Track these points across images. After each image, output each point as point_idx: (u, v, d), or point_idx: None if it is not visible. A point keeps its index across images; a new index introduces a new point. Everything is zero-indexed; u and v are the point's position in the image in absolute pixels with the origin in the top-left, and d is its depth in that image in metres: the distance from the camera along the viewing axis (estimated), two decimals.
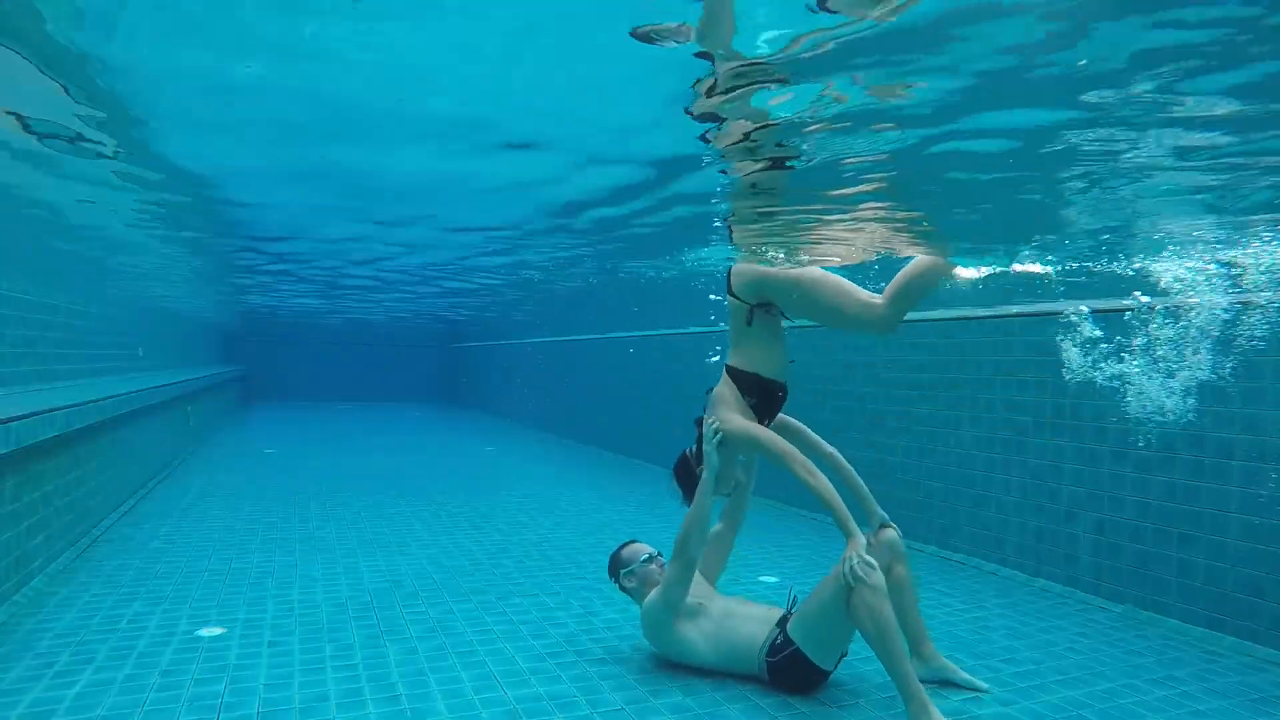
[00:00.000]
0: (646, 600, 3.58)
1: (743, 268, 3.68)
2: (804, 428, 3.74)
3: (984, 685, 3.45)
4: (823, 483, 3.22)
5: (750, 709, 3.25)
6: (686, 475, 3.64)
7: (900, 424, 6.14)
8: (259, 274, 8.34)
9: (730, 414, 3.48)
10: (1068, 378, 4.85)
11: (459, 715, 3.11)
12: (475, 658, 3.69)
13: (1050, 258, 4.45)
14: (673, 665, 3.61)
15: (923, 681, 3.18)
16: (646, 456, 10.04)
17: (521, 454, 11.28)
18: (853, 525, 3.18)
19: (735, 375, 3.57)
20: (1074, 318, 4.83)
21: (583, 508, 7.27)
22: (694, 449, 3.62)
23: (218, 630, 3.93)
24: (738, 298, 3.59)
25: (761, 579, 5.02)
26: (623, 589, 3.79)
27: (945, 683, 3.47)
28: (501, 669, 3.57)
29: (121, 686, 3.28)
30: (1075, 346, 4.80)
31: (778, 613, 3.51)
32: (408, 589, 4.70)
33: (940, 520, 5.78)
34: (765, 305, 3.56)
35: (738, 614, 3.54)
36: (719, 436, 3.45)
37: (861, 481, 3.60)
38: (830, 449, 3.68)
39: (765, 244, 4.64)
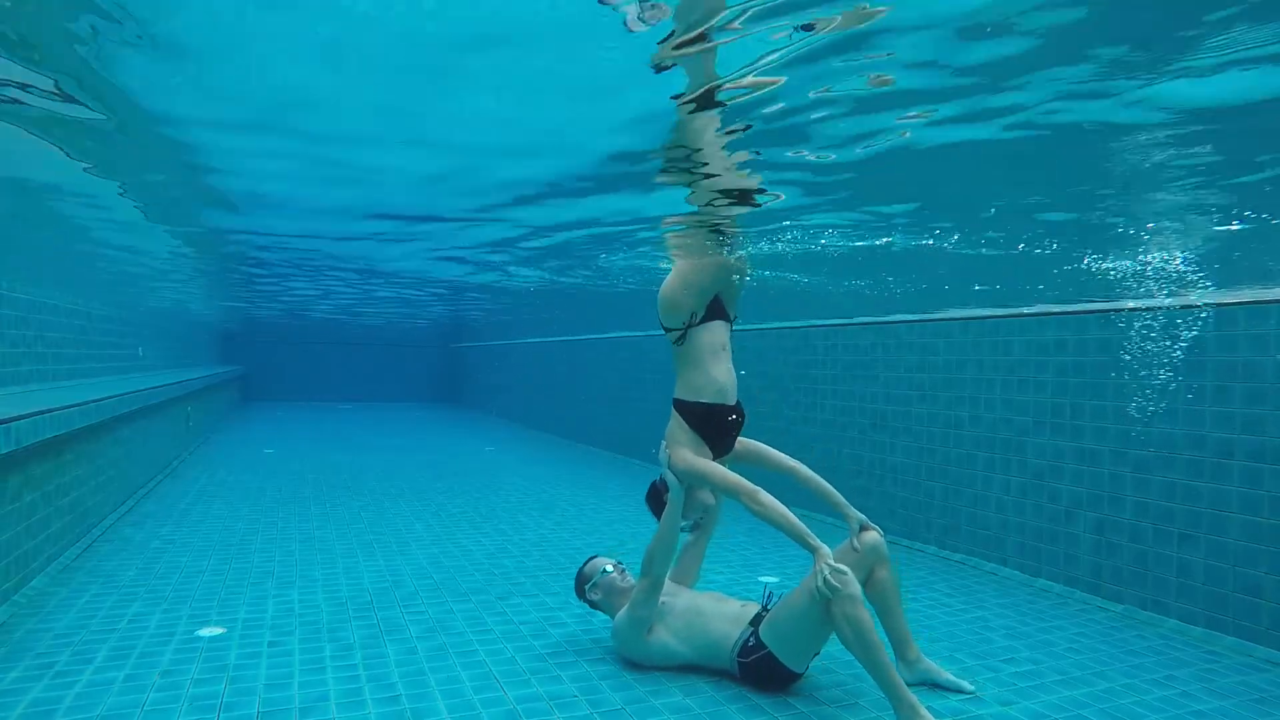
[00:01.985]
0: (616, 619, 3.64)
1: (664, 296, 3.63)
2: (762, 447, 3.72)
3: (970, 687, 3.43)
4: (772, 509, 3.23)
5: (750, 709, 3.25)
6: (657, 503, 3.71)
7: (900, 424, 6.15)
8: (259, 275, 8.36)
9: (680, 451, 3.50)
10: (1068, 378, 4.85)
11: (459, 715, 3.11)
12: (475, 658, 3.69)
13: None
14: (669, 666, 3.61)
15: (909, 685, 3.18)
16: (646, 456, 10.04)
17: (521, 454, 11.27)
18: (813, 540, 3.19)
19: (680, 408, 3.58)
20: (1074, 318, 4.83)
21: (582, 507, 7.27)
22: (662, 478, 3.68)
23: (218, 630, 3.94)
24: (669, 329, 3.60)
25: (761, 579, 5.02)
26: (591, 604, 3.86)
27: (932, 685, 3.46)
28: (501, 669, 3.57)
29: (121, 686, 3.28)
30: (1075, 347, 4.81)
31: (752, 609, 3.52)
32: (408, 589, 4.70)
33: (940, 520, 5.78)
34: (702, 321, 3.56)
35: (708, 612, 3.56)
36: (668, 465, 3.51)
37: (831, 488, 3.58)
38: (792, 463, 3.66)
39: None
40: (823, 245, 4.32)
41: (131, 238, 5.12)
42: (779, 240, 4.26)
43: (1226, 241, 3.68)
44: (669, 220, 4.01)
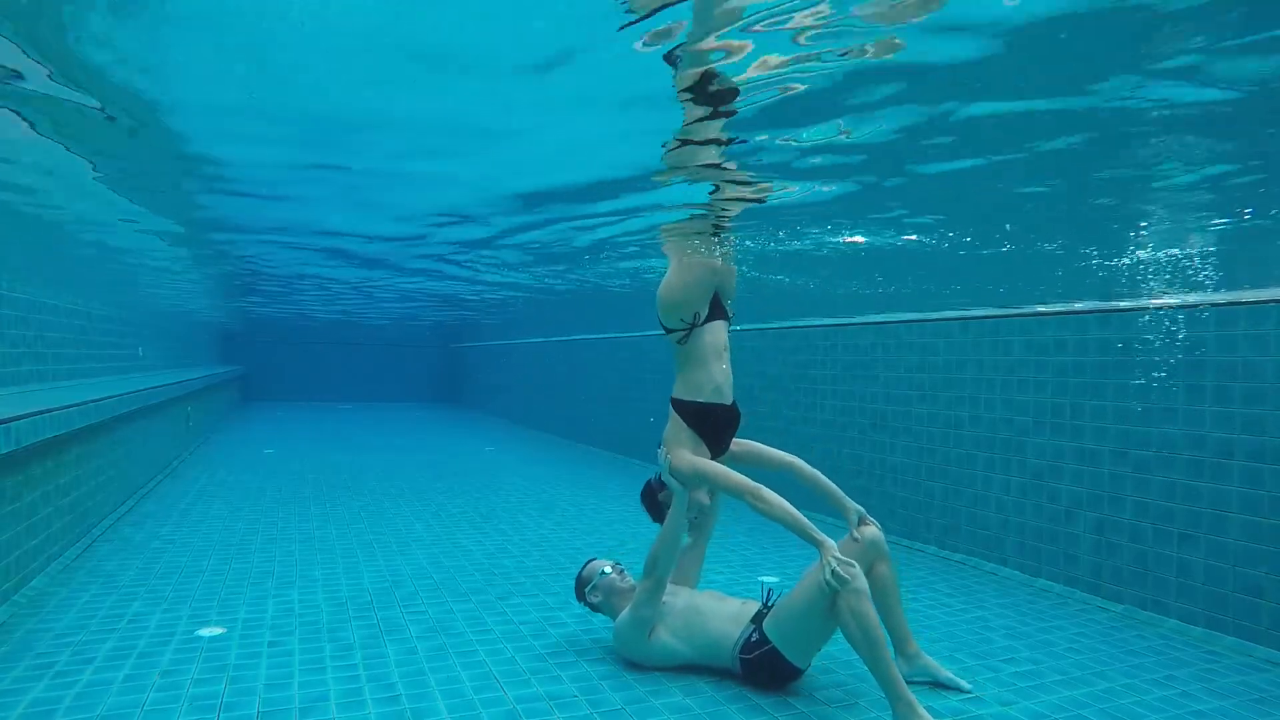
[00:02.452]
0: (618, 620, 3.64)
1: (665, 296, 3.64)
2: (759, 446, 3.73)
3: (967, 686, 3.43)
4: (775, 505, 3.24)
5: (750, 709, 3.25)
6: (651, 502, 3.74)
7: (900, 424, 6.15)
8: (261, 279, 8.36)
9: (679, 451, 3.51)
10: (1068, 378, 4.85)
11: (459, 715, 3.11)
12: (475, 658, 3.69)
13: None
14: (670, 666, 3.61)
15: (908, 680, 3.18)
16: (646, 456, 10.04)
17: (521, 454, 11.27)
18: (817, 534, 3.20)
19: (678, 407, 3.60)
20: (1074, 318, 4.83)
21: (582, 507, 7.27)
22: (658, 476, 3.69)
23: (218, 630, 3.93)
24: (670, 329, 3.62)
25: (761, 579, 5.02)
26: (591, 606, 3.86)
27: (932, 682, 3.46)
28: (501, 669, 3.57)
29: (121, 686, 3.28)
30: (1075, 347, 4.81)
31: (753, 607, 3.53)
32: (408, 589, 4.70)
33: (940, 520, 5.78)
34: (703, 321, 3.58)
35: (707, 611, 3.56)
36: (669, 466, 3.52)
37: (830, 482, 3.60)
38: (789, 459, 3.67)
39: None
40: (818, 234, 4.29)
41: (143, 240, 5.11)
42: (772, 236, 4.24)
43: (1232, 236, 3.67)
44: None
